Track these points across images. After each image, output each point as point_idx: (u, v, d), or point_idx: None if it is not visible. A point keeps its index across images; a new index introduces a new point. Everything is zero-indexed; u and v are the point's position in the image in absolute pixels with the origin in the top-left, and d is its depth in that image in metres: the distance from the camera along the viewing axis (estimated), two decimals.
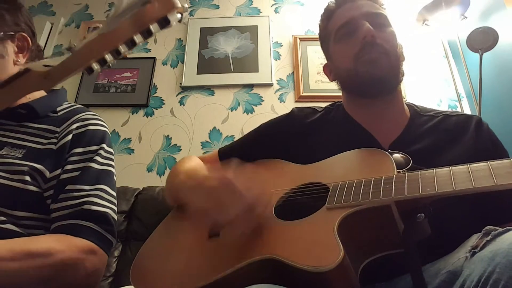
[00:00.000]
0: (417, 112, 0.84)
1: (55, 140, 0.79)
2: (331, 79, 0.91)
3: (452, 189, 0.48)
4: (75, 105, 0.90)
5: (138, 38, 0.37)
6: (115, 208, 0.80)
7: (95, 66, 0.38)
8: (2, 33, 0.78)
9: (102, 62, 0.38)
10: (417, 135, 0.77)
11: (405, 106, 0.85)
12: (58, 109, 0.85)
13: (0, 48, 0.78)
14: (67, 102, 0.90)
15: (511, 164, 0.46)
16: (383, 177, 0.56)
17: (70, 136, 0.79)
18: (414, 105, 0.87)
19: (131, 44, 0.37)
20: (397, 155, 0.63)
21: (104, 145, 0.83)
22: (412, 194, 0.50)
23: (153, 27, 0.36)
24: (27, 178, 0.72)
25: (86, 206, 0.74)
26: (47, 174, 0.75)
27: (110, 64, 0.38)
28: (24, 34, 0.83)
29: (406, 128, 0.79)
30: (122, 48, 0.37)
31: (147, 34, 0.37)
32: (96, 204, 0.75)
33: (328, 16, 0.88)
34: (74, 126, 0.81)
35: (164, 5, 0.36)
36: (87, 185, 0.76)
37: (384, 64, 0.76)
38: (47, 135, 0.79)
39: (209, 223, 0.61)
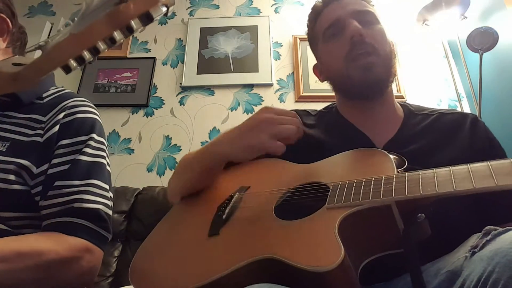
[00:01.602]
0: (411, 112, 0.83)
1: (41, 132, 0.73)
2: (322, 79, 0.90)
3: (452, 189, 0.48)
4: (63, 90, 0.82)
5: (118, 35, 0.34)
6: (109, 202, 0.76)
7: (73, 63, 0.35)
8: None
9: (80, 60, 0.35)
10: (412, 135, 0.77)
11: (398, 106, 0.85)
12: (44, 95, 0.79)
13: None
14: (55, 87, 0.83)
15: (511, 165, 0.46)
16: (383, 177, 0.56)
17: (57, 127, 0.73)
18: (409, 104, 0.87)
19: (111, 41, 0.35)
20: (391, 156, 0.63)
21: (93, 135, 0.77)
22: (413, 194, 0.50)
23: (135, 23, 0.34)
24: (12, 177, 0.67)
25: (77, 204, 0.69)
26: (34, 169, 0.70)
27: (90, 61, 0.36)
28: (2, 15, 0.76)
29: (400, 128, 0.79)
30: (101, 45, 0.35)
31: (128, 31, 0.34)
32: (88, 201, 0.71)
33: (315, 16, 0.87)
34: (61, 115, 0.75)
35: (144, 1, 0.33)
36: (77, 180, 0.71)
37: (377, 67, 0.75)
38: (33, 125, 0.74)
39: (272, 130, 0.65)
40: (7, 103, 0.74)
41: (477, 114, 1.75)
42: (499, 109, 1.88)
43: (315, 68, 0.92)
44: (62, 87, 0.88)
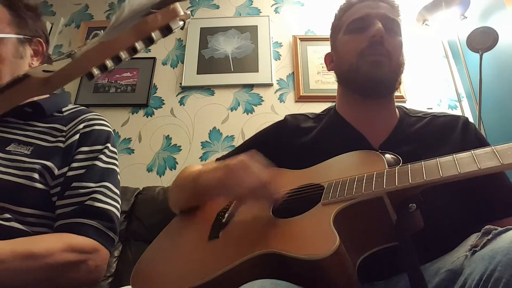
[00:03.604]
0: (406, 114, 0.86)
1: (63, 139, 0.81)
2: (329, 68, 0.93)
3: (439, 176, 0.50)
4: (79, 106, 0.94)
5: (139, 45, 0.37)
6: (118, 206, 0.82)
7: (96, 71, 0.38)
8: (23, 36, 0.85)
9: (103, 68, 0.38)
10: (406, 136, 0.79)
11: (395, 108, 0.87)
12: (63, 109, 0.89)
13: (21, 49, 0.84)
14: (72, 104, 0.94)
15: (492, 151, 0.49)
16: (375, 173, 0.58)
17: (77, 136, 0.82)
18: (404, 107, 0.89)
19: (133, 51, 0.38)
20: (387, 156, 0.65)
21: (109, 145, 0.86)
22: (403, 184, 0.52)
23: (155, 35, 0.37)
24: (36, 176, 0.73)
25: (89, 202, 0.76)
26: (56, 171, 0.77)
27: (111, 70, 0.39)
28: (40, 40, 0.89)
29: (395, 129, 0.81)
30: (123, 55, 0.38)
31: (149, 41, 0.37)
32: (100, 201, 0.77)
33: (347, 7, 0.88)
34: (81, 126, 0.84)
35: (166, 14, 0.36)
36: (92, 182, 0.79)
37: (385, 67, 0.78)
38: (54, 133, 0.82)
39: (227, 198, 0.66)
40: (30, 114, 0.83)
41: (477, 114, 1.75)
42: (499, 109, 1.88)
43: (327, 56, 0.94)
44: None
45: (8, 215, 0.70)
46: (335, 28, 0.91)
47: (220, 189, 0.65)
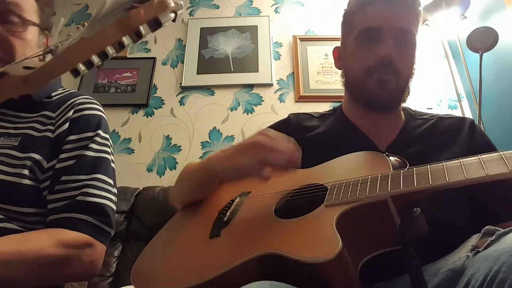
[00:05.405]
0: (411, 116, 0.86)
1: (52, 128, 0.77)
2: (337, 66, 0.90)
3: (445, 181, 0.49)
4: (69, 90, 0.88)
5: (127, 40, 0.35)
6: (113, 197, 0.78)
7: (81, 67, 0.36)
8: (44, 27, 0.84)
9: (88, 64, 0.36)
10: (411, 138, 0.78)
11: (400, 110, 0.86)
12: (52, 94, 0.85)
13: (40, 38, 0.83)
14: (62, 88, 0.89)
15: (500, 157, 0.48)
16: (379, 175, 0.57)
17: (67, 125, 0.78)
18: (409, 108, 0.89)
19: (119, 46, 0.35)
20: (392, 158, 0.64)
21: (99, 131, 0.81)
22: (408, 188, 0.52)
23: (143, 29, 0.34)
24: (25, 172, 0.70)
25: (81, 197, 0.72)
26: (45, 164, 0.73)
27: (98, 66, 0.37)
28: (47, 32, 0.87)
29: (401, 131, 0.80)
30: (110, 50, 0.35)
31: (137, 36, 0.35)
32: (92, 195, 0.73)
33: (362, 4, 0.81)
34: (71, 112, 0.79)
35: (153, 7, 0.34)
36: (83, 174, 0.74)
37: (392, 86, 0.76)
38: (43, 121, 0.78)
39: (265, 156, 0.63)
40: (19, 102, 0.77)
41: (477, 114, 1.75)
42: (499, 109, 1.88)
43: (336, 50, 0.92)
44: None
45: (0, 216, 0.67)
46: (348, 22, 0.85)
47: (259, 148, 0.62)
